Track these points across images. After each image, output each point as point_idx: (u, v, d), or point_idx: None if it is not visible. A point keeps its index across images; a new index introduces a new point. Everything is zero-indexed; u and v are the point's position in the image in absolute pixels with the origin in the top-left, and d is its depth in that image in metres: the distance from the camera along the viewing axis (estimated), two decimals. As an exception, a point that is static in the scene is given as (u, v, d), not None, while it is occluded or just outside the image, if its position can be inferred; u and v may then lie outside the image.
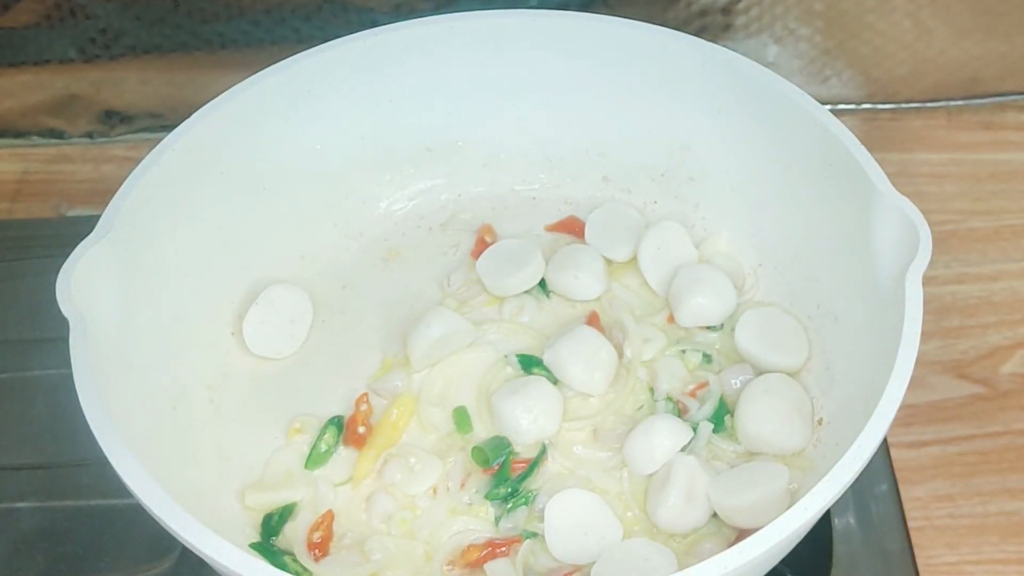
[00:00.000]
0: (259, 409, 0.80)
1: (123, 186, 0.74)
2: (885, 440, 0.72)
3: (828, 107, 0.78)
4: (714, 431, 0.77)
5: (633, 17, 0.84)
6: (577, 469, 0.76)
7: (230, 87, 0.80)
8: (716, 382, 0.79)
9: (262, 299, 0.82)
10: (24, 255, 0.95)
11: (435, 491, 0.75)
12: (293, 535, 0.74)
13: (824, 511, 0.62)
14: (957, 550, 0.78)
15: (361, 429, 0.78)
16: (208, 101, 0.79)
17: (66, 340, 0.67)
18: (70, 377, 0.65)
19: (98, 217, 0.72)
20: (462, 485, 0.75)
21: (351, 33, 0.84)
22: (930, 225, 0.69)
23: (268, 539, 0.74)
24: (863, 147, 0.74)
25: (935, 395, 0.85)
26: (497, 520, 0.74)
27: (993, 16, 0.97)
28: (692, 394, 0.79)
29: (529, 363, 0.80)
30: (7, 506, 0.82)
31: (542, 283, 0.84)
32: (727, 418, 0.77)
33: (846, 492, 0.62)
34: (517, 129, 0.88)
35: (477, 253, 0.86)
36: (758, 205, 0.84)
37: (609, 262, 0.85)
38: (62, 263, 0.69)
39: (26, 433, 0.85)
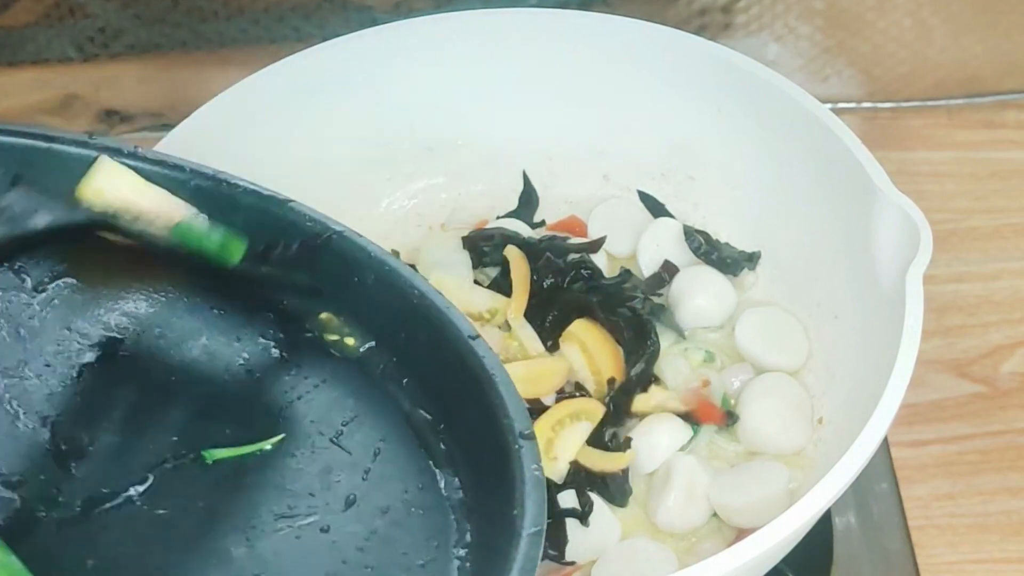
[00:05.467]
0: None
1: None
2: (885, 439, 0.72)
3: (828, 106, 0.78)
4: (715, 430, 0.77)
5: (633, 15, 0.84)
6: (576, 467, 0.76)
7: (230, 86, 0.80)
8: (717, 381, 0.79)
9: (262, 298, 0.82)
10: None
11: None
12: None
13: (824, 510, 0.62)
14: (958, 549, 0.78)
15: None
16: (208, 100, 0.79)
17: None
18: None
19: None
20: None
21: (351, 32, 0.84)
22: (930, 224, 0.69)
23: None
24: (863, 146, 0.74)
25: (935, 394, 0.85)
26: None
27: (994, 14, 0.97)
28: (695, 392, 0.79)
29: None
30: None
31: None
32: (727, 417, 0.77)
33: (847, 491, 0.62)
34: (517, 128, 0.88)
35: (476, 251, 0.86)
36: (758, 204, 0.84)
37: (610, 257, 0.85)
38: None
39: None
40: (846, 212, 0.75)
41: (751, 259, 0.84)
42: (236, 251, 0.58)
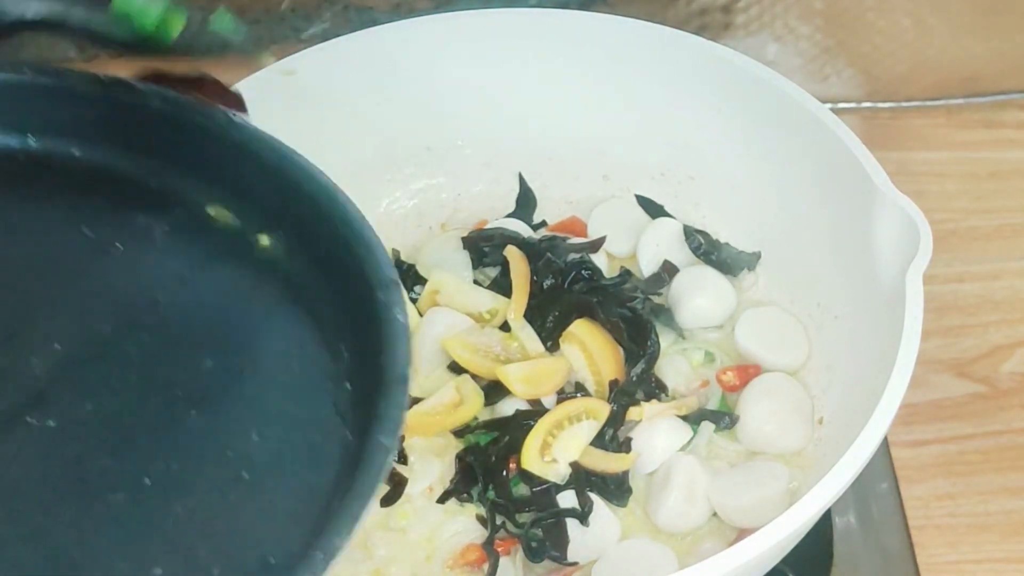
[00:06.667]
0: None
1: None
2: (885, 439, 0.72)
3: (828, 106, 0.78)
4: (715, 430, 0.77)
5: (633, 16, 0.84)
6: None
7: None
8: (717, 381, 0.79)
9: (262, 298, 0.82)
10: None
11: (431, 489, 0.75)
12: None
13: (824, 510, 0.62)
14: (958, 549, 0.78)
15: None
16: (208, 100, 0.79)
17: None
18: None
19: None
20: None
21: (351, 32, 0.84)
22: (930, 224, 0.69)
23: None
24: (863, 146, 0.74)
25: (935, 394, 0.85)
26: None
27: (993, 14, 0.97)
28: (695, 392, 0.79)
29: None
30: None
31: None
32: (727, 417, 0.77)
33: (847, 491, 0.62)
34: (517, 128, 0.88)
35: (476, 251, 0.86)
36: (758, 204, 0.84)
37: (610, 257, 0.85)
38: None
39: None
40: (846, 212, 0.75)
41: (751, 259, 0.84)
42: (176, 25, 0.57)
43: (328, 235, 0.55)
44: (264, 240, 0.57)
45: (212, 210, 0.58)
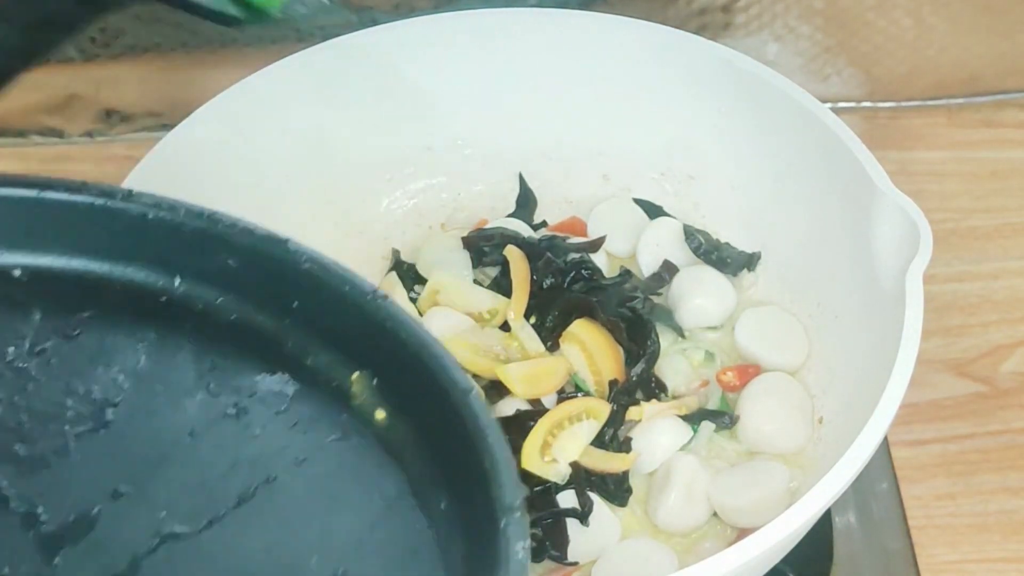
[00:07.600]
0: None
1: (123, 185, 0.74)
2: (885, 439, 0.72)
3: (828, 105, 0.78)
4: (715, 430, 0.77)
5: (633, 15, 0.84)
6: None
7: (230, 86, 0.80)
8: (717, 381, 0.79)
9: (262, 298, 0.82)
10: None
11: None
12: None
13: (824, 510, 0.62)
14: (958, 548, 0.78)
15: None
16: (208, 100, 0.79)
17: None
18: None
19: (98, 217, 0.72)
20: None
21: (351, 31, 0.84)
22: (930, 223, 0.69)
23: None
24: (863, 145, 0.74)
25: (935, 393, 0.85)
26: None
27: (994, 14, 0.97)
28: (695, 392, 0.79)
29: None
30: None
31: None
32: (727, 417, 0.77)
33: (847, 491, 0.62)
34: (516, 127, 0.88)
35: (476, 250, 0.86)
36: (758, 203, 0.84)
37: (610, 257, 0.85)
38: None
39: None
40: (846, 212, 0.75)
41: (751, 259, 0.84)
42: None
43: (456, 437, 0.50)
44: (389, 421, 0.53)
45: (348, 384, 0.54)
